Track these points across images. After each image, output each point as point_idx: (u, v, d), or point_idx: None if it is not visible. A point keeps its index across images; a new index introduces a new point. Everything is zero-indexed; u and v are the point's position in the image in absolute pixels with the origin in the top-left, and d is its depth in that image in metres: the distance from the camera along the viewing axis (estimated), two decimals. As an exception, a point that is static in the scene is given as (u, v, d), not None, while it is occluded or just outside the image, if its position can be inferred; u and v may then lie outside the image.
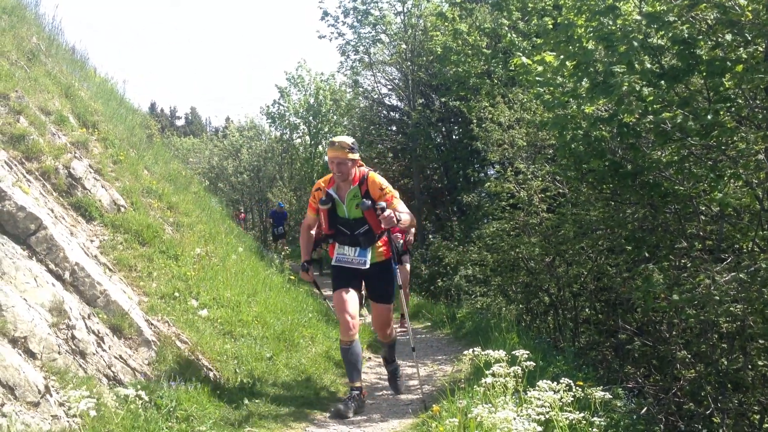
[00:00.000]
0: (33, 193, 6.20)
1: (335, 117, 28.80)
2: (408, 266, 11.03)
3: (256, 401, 6.11)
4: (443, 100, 19.63)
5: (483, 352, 4.32)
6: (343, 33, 23.08)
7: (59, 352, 4.84)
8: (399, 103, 23.32)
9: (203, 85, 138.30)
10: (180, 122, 78.30)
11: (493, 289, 13.46)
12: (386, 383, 7.63)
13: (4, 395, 4.08)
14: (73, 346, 5.08)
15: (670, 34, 6.93)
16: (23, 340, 4.62)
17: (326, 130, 29.69)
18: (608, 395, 4.08)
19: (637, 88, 7.23)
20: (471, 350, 4.50)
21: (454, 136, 21.59)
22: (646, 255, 8.70)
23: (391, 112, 23.59)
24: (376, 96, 23.85)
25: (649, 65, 7.24)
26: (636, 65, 7.18)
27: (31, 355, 4.62)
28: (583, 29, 8.08)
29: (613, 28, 7.43)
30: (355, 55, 23.49)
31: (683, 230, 8.12)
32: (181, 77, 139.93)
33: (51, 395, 4.37)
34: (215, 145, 36.58)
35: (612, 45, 7.30)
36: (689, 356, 8.11)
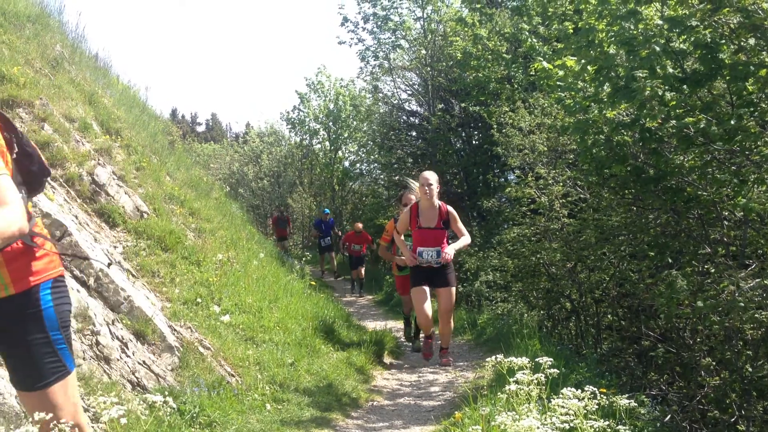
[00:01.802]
0: (57, 200, 6.26)
1: (355, 122, 28.83)
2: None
3: (279, 407, 6.13)
4: (463, 105, 19.57)
5: (505, 359, 4.30)
6: (363, 39, 23.14)
7: (84, 358, 4.88)
8: (419, 109, 23.29)
9: (224, 91, 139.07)
10: (201, 128, 78.70)
11: (514, 295, 13.40)
12: (408, 389, 7.63)
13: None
14: (98, 352, 5.12)
15: (693, 39, 6.89)
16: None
17: (346, 135, 29.74)
18: (633, 403, 4.04)
19: (660, 93, 7.18)
20: (493, 357, 4.48)
21: (474, 142, 21.52)
22: (669, 261, 8.64)
23: (411, 118, 23.56)
24: (395, 101, 23.85)
25: (671, 70, 7.20)
26: (658, 70, 7.15)
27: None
28: (604, 34, 8.05)
29: (635, 32, 7.39)
30: (374, 60, 23.53)
31: (707, 236, 8.05)
32: (202, 83, 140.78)
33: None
34: (236, 150, 36.77)
35: (634, 49, 7.27)
36: (714, 363, 8.03)
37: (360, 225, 19.14)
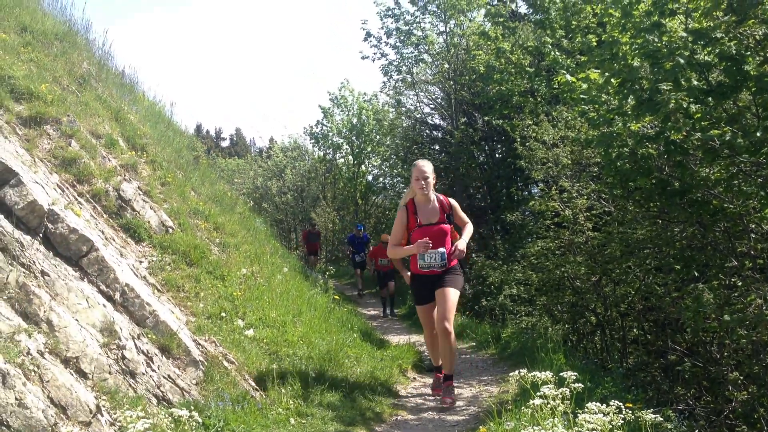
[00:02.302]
0: (84, 215, 6.33)
1: (378, 137, 28.90)
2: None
3: (302, 421, 6.13)
4: (486, 118, 19.57)
5: (530, 373, 4.28)
6: (386, 53, 23.24)
7: (110, 372, 4.92)
8: (442, 122, 23.33)
9: (248, 106, 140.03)
10: (225, 143, 79.30)
11: (539, 309, 13.33)
12: (432, 404, 7.60)
13: (57, 415, 4.16)
14: (124, 366, 5.16)
15: (718, 51, 6.85)
16: (75, 360, 4.71)
17: (369, 149, 29.82)
18: (659, 418, 4.00)
19: (685, 105, 7.15)
20: (518, 371, 4.46)
21: (497, 155, 21.50)
22: (696, 274, 8.57)
23: (434, 131, 23.60)
24: (418, 115, 23.90)
25: (696, 82, 7.16)
26: (683, 82, 7.11)
27: (83, 375, 4.70)
28: (628, 46, 8.03)
29: (659, 44, 7.37)
30: (397, 75, 23.61)
31: (733, 249, 7.97)
32: (226, 99, 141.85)
33: (102, 415, 4.44)
34: (259, 165, 36.97)
35: (658, 62, 7.25)
36: (741, 377, 7.94)
37: (387, 236, 18.46)
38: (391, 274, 16.86)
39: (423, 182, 6.80)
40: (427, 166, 6.90)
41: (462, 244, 6.77)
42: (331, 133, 30.84)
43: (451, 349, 6.87)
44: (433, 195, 6.95)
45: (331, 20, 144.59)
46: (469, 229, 7.04)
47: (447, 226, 6.91)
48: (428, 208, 6.94)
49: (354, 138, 30.06)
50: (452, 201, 7.11)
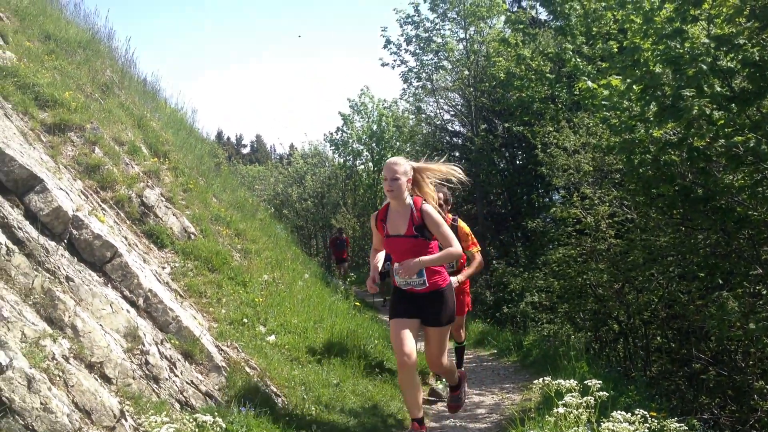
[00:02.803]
0: (108, 222, 6.39)
1: (398, 143, 28.94)
2: None
3: (324, 428, 6.13)
4: (506, 125, 19.55)
5: (553, 381, 4.26)
6: (406, 60, 23.28)
7: (133, 377, 4.94)
8: (462, 129, 23.33)
9: (268, 112, 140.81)
10: (246, 150, 79.70)
11: (560, 317, 13.26)
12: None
13: (81, 419, 4.19)
14: (147, 372, 5.18)
15: (741, 57, 6.80)
16: (99, 365, 4.74)
17: (389, 156, 29.86)
18: (684, 427, 3.97)
19: (707, 112, 7.10)
20: (540, 379, 4.44)
21: (517, 162, 21.47)
22: (720, 282, 8.49)
23: (454, 138, 23.60)
24: (438, 122, 23.90)
25: (719, 88, 7.11)
26: (705, 88, 7.07)
27: (107, 380, 4.73)
28: (649, 53, 8.00)
29: (681, 51, 7.33)
30: (417, 81, 23.65)
31: (758, 256, 7.89)
32: (247, 105, 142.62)
33: (126, 420, 4.46)
34: (280, 172, 37.13)
35: (680, 68, 7.21)
36: (767, 386, 7.85)
37: None
38: None
39: (390, 183, 5.40)
40: (398, 163, 5.44)
41: (413, 263, 5.29)
42: (351, 140, 30.92)
43: (450, 369, 6.07)
44: (409, 200, 5.47)
45: (355, 29, 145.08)
46: (443, 254, 5.39)
47: (418, 240, 5.38)
48: (398, 216, 5.52)
49: (374, 144, 30.12)
50: (429, 209, 5.43)
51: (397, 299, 5.68)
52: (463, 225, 7.39)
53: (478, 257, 7.44)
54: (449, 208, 7.42)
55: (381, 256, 5.96)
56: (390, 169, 5.44)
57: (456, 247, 5.38)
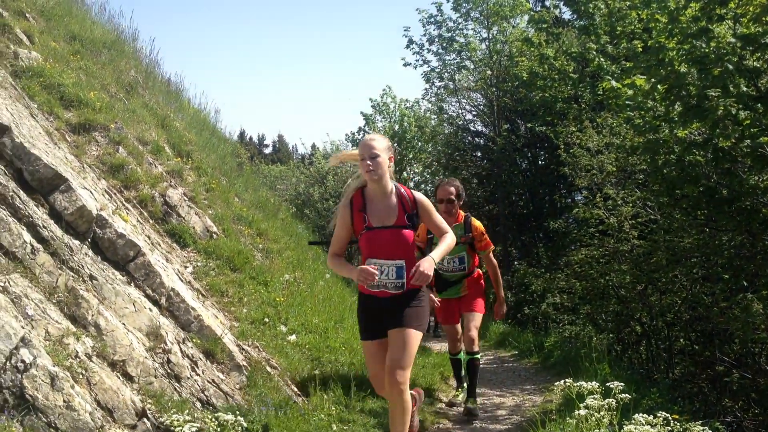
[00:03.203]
0: (131, 221, 6.43)
1: (420, 143, 28.90)
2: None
3: (344, 428, 6.13)
4: (529, 125, 19.47)
5: (575, 383, 4.23)
6: (428, 60, 23.20)
7: (155, 376, 4.97)
8: (484, 129, 23.25)
9: (290, 112, 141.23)
10: (268, 150, 79.97)
11: (582, 318, 13.19)
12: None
13: (104, 417, 4.22)
14: (169, 370, 5.21)
15: (767, 56, 6.72)
16: (122, 363, 4.78)
17: (411, 156, 29.82)
18: (707, 430, 3.93)
19: (733, 112, 7.03)
20: (562, 381, 4.41)
21: (540, 162, 21.37)
22: (744, 284, 8.40)
23: (476, 138, 23.52)
24: (460, 122, 23.83)
25: (745, 88, 7.04)
26: (731, 88, 7.00)
27: (129, 378, 4.77)
28: (674, 52, 7.93)
29: (707, 50, 7.26)
30: (439, 81, 23.59)
31: (784, 258, 7.81)
32: (269, 105, 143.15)
33: (148, 418, 4.49)
34: (302, 172, 37.18)
35: (706, 68, 7.14)
36: (792, 390, 7.77)
37: None
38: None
39: (370, 162, 4.48)
40: (375, 139, 4.62)
41: (427, 263, 4.37)
42: (372, 140, 30.93)
43: (404, 410, 4.57)
44: (391, 184, 4.65)
45: (377, 27, 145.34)
46: (447, 242, 4.66)
47: (409, 232, 4.59)
48: (382, 205, 4.63)
49: (396, 145, 30.09)
50: (420, 196, 4.73)
51: (363, 313, 4.77)
52: (477, 223, 7.03)
53: (493, 260, 7.16)
54: (461, 203, 6.93)
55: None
56: (367, 146, 4.54)
57: (451, 233, 4.75)
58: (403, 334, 4.49)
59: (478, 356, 7.23)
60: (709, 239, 8.81)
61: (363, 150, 4.54)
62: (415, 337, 4.54)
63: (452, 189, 6.84)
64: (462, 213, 6.99)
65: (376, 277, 4.38)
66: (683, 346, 10.79)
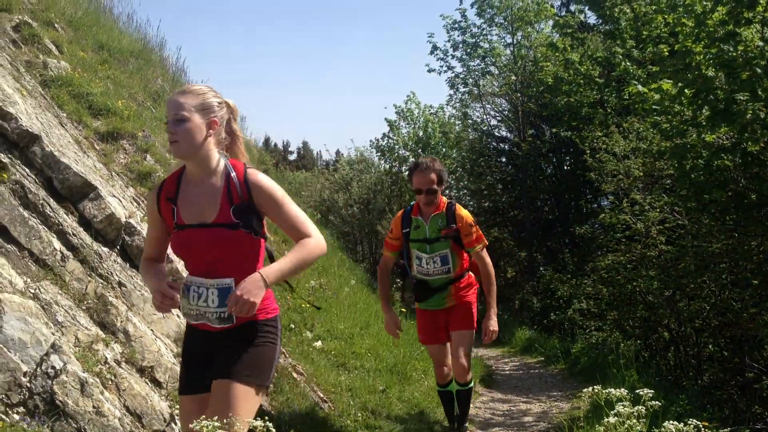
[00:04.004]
0: (158, 228, 6.48)
1: (444, 149, 28.87)
2: None
3: (371, 434, 6.14)
4: (554, 130, 19.40)
5: (603, 390, 4.20)
6: (453, 66, 23.19)
7: (183, 382, 5.01)
8: (509, 135, 23.19)
9: (314, 118, 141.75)
10: (292, 156, 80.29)
11: (609, 324, 13.08)
12: (501, 419, 7.53)
13: (132, 423, 4.26)
14: (196, 377, 5.25)
15: (797, 59, 6.66)
16: (150, 369, 4.82)
17: (435, 162, 29.84)
18: (738, 438, 3.89)
19: (762, 116, 6.96)
20: (590, 387, 4.38)
21: (565, 167, 21.27)
22: (775, 289, 8.31)
23: (501, 144, 23.46)
24: (485, 128, 23.80)
25: (774, 92, 6.97)
26: (759, 92, 6.93)
27: (157, 384, 4.81)
28: (701, 56, 7.86)
29: (734, 54, 7.20)
30: (464, 87, 23.56)
31: (815, 263, 7.71)
32: (294, 111, 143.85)
33: (176, 424, 4.52)
34: (326, 178, 37.26)
35: (733, 72, 7.09)
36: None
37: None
38: None
39: (173, 128, 3.08)
40: (188, 93, 3.14)
41: (252, 283, 2.94)
42: (397, 146, 30.91)
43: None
44: (222, 162, 3.21)
45: (401, 34, 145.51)
46: (300, 254, 3.17)
47: (239, 233, 3.12)
48: (199, 193, 3.16)
49: (420, 151, 30.04)
50: (261, 179, 3.24)
51: (185, 352, 3.31)
52: (464, 212, 5.56)
53: (487, 260, 5.57)
54: (443, 188, 5.56)
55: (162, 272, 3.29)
56: (171, 104, 3.11)
57: (317, 239, 3.25)
58: (227, 391, 2.98)
59: (471, 386, 6.02)
60: (738, 244, 8.71)
61: (168, 108, 3.12)
62: (245, 395, 2.98)
63: (432, 176, 5.41)
64: (444, 200, 5.61)
65: (179, 303, 3.04)
66: (712, 352, 10.67)
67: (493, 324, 5.57)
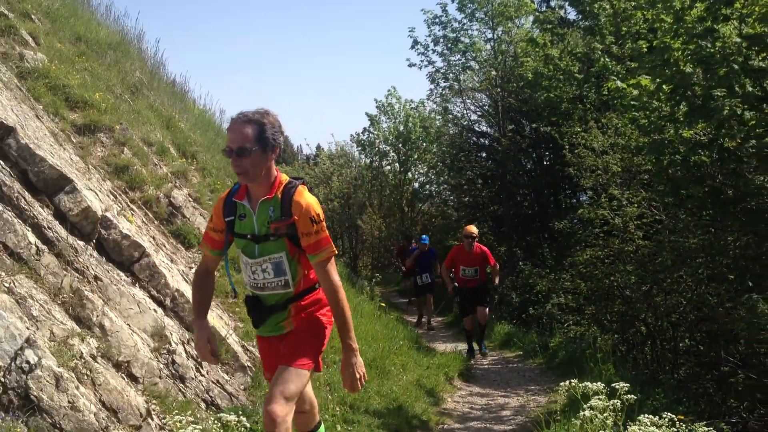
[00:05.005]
0: (136, 222, 6.43)
1: (425, 144, 28.87)
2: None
3: (349, 428, 6.14)
4: (534, 125, 19.44)
5: (579, 384, 4.22)
6: (433, 61, 23.17)
7: (160, 377, 4.98)
8: (489, 130, 23.22)
9: (294, 113, 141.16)
10: (272, 150, 79.92)
11: (587, 318, 13.16)
12: (479, 413, 7.55)
13: (108, 418, 4.23)
14: (173, 371, 5.22)
15: (773, 56, 6.71)
16: (126, 364, 4.78)
17: (416, 157, 29.78)
18: (712, 430, 3.92)
19: (739, 112, 7.01)
20: (567, 381, 4.40)
21: (545, 162, 21.32)
22: (750, 284, 8.38)
23: (481, 139, 23.49)
24: (465, 122, 23.81)
25: (750, 88, 7.02)
26: (737, 88, 6.99)
27: (134, 379, 4.77)
28: (680, 52, 7.91)
29: (712, 50, 7.25)
30: (444, 82, 23.54)
31: (790, 259, 7.78)
32: (274, 106, 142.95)
33: (152, 419, 4.49)
34: (306, 172, 37.15)
35: (711, 68, 7.14)
36: (798, 391, 7.74)
37: (472, 228, 11.92)
38: (481, 290, 11.37)
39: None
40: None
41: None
42: (377, 141, 30.88)
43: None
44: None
45: (382, 28, 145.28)
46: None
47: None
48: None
49: (400, 145, 30.05)
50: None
51: None
52: (306, 199, 3.82)
53: (333, 273, 3.78)
54: (274, 155, 3.67)
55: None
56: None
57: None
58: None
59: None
60: (715, 240, 8.78)
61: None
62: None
63: (248, 131, 3.60)
64: (283, 177, 3.89)
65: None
66: (688, 346, 10.76)
67: (354, 368, 3.79)
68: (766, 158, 7.01)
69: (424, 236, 16.28)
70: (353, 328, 3.83)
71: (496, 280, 12.00)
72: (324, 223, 3.80)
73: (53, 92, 7.33)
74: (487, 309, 11.73)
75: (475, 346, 11.71)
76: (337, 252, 3.86)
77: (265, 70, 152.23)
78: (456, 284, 11.28)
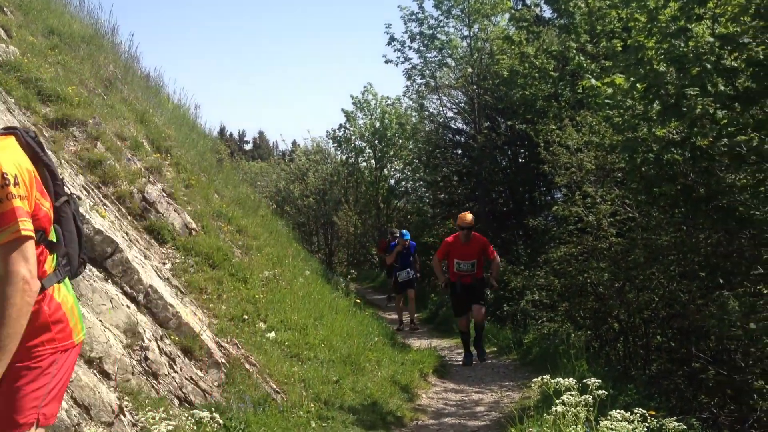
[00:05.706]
0: (109, 217, 6.38)
1: (401, 141, 28.91)
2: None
3: (323, 425, 6.13)
4: (509, 123, 19.52)
5: (552, 380, 4.25)
6: (410, 57, 23.22)
7: (133, 373, 4.95)
8: (464, 127, 23.26)
9: (271, 109, 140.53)
10: (248, 146, 79.57)
11: (561, 315, 13.23)
12: (453, 409, 7.58)
13: (80, 415, 4.19)
14: (146, 368, 5.19)
15: (745, 56, 6.80)
16: (98, 360, 4.74)
17: (391, 153, 29.82)
18: (683, 426, 3.97)
19: (711, 111, 7.09)
20: (540, 377, 4.43)
21: (520, 160, 21.40)
22: (721, 281, 8.48)
23: (457, 136, 23.53)
24: (441, 119, 23.86)
25: (722, 87, 7.10)
26: (709, 87, 7.06)
27: (106, 375, 4.74)
28: (653, 51, 7.98)
29: (685, 50, 7.32)
30: (420, 79, 23.60)
31: (759, 256, 7.88)
32: (250, 101, 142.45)
33: (125, 416, 4.46)
34: (282, 168, 37.01)
35: (684, 67, 7.20)
36: (766, 386, 7.84)
37: (467, 216, 11.23)
38: (478, 287, 11.01)
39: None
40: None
41: None
42: (353, 137, 30.86)
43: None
44: None
45: (359, 24, 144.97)
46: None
47: None
48: None
49: (377, 142, 30.06)
50: None
51: None
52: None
53: (17, 263, 2.47)
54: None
55: None
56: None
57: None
58: None
59: None
60: (686, 237, 8.87)
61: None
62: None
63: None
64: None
65: None
66: (660, 342, 10.86)
67: None
68: (738, 157, 7.09)
69: (404, 231, 15.75)
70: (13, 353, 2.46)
71: (495, 282, 10.89)
72: (13, 189, 2.48)
73: (25, 86, 7.25)
74: (483, 309, 10.73)
75: (473, 350, 10.74)
76: (32, 236, 2.54)
77: (241, 66, 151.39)
78: (449, 278, 10.65)
